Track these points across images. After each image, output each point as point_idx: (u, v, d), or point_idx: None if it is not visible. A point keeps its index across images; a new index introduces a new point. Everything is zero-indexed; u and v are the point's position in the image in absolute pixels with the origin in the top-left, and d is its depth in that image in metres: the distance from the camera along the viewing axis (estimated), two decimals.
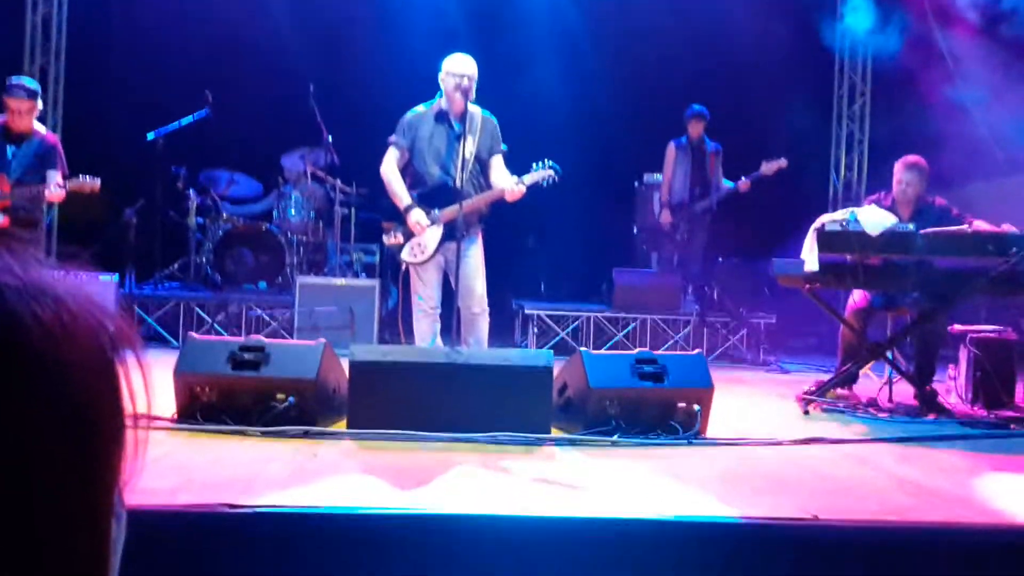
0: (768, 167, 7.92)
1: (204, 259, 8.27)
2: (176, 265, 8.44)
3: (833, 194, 10.20)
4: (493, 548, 2.84)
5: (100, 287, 7.21)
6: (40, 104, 5.96)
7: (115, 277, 7.35)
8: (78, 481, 0.57)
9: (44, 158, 5.86)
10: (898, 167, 5.76)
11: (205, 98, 8.04)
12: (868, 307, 5.80)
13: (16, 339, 0.55)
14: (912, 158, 5.75)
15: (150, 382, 0.63)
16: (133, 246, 7.77)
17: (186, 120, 7.93)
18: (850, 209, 5.55)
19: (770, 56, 9.06)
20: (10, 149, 5.80)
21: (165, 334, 7.67)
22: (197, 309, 7.83)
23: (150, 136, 7.83)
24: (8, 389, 0.54)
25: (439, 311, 5.43)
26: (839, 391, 5.69)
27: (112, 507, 0.60)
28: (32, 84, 5.98)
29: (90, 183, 5.78)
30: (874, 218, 5.24)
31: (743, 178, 8.08)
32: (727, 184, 8.26)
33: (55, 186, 5.67)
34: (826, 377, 5.94)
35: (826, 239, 5.24)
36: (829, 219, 5.40)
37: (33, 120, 5.90)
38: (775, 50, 9.05)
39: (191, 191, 8.35)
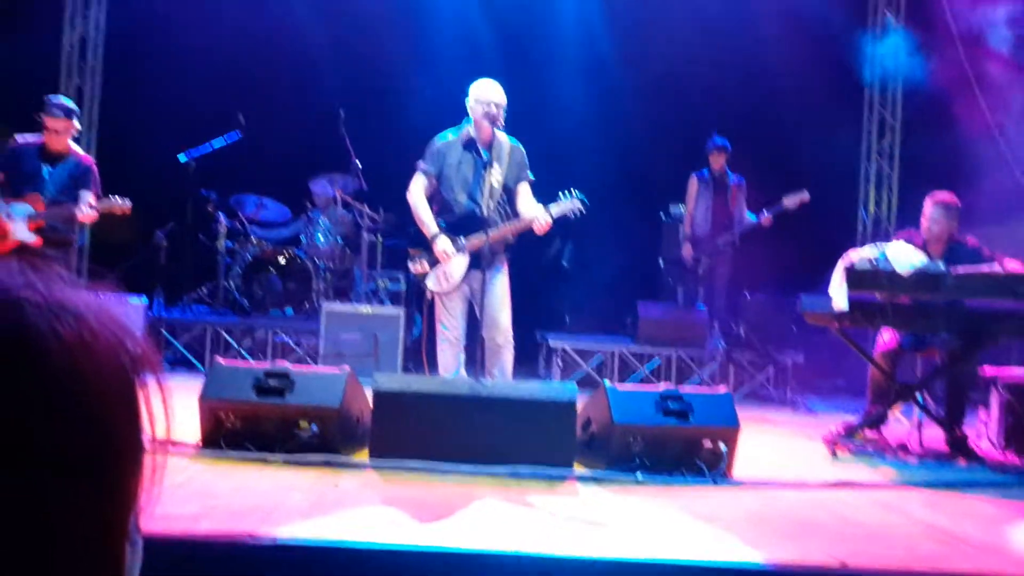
0: (790, 201, 7.83)
1: (232, 283, 8.31)
2: (204, 289, 8.49)
3: (862, 230, 10.11)
4: None
5: (129, 309, 7.28)
6: (77, 124, 6.02)
7: (144, 299, 7.41)
8: (92, 502, 0.56)
9: (79, 179, 5.91)
10: (928, 204, 5.68)
11: (238, 121, 8.13)
12: (898, 348, 5.72)
13: (35, 354, 0.55)
14: (942, 195, 5.68)
15: (170, 405, 0.62)
16: (163, 268, 7.83)
17: (218, 142, 8.01)
18: (880, 246, 5.49)
19: (800, 90, 9.04)
20: (46, 169, 5.86)
21: (192, 358, 7.70)
22: (224, 334, 7.86)
23: (182, 158, 7.91)
24: (25, 404, 0.54)
25: (463, 341, 5.41)
26: (867, 433, 5.60)
27: (127, 531, 0.59)
28: (69, 104, 6.05)
29: (120, 205, 5.82)
30: (904, 256, 5.19)
31: (765, 212, 8.01)
32: (750, 217, 8.21)
33: (87, 207, 5.72)
34: (854, 419, 5.86)
35: (855, 277, 5.19)
36: (858, 256, 5.34)
37: (70, 140, 5.97)
38: (805, 84, 9.03)
39: (221, 214, 8.42)
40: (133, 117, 9.30)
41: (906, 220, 8.17)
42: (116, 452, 0.58)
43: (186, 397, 4.47)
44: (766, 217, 7.98)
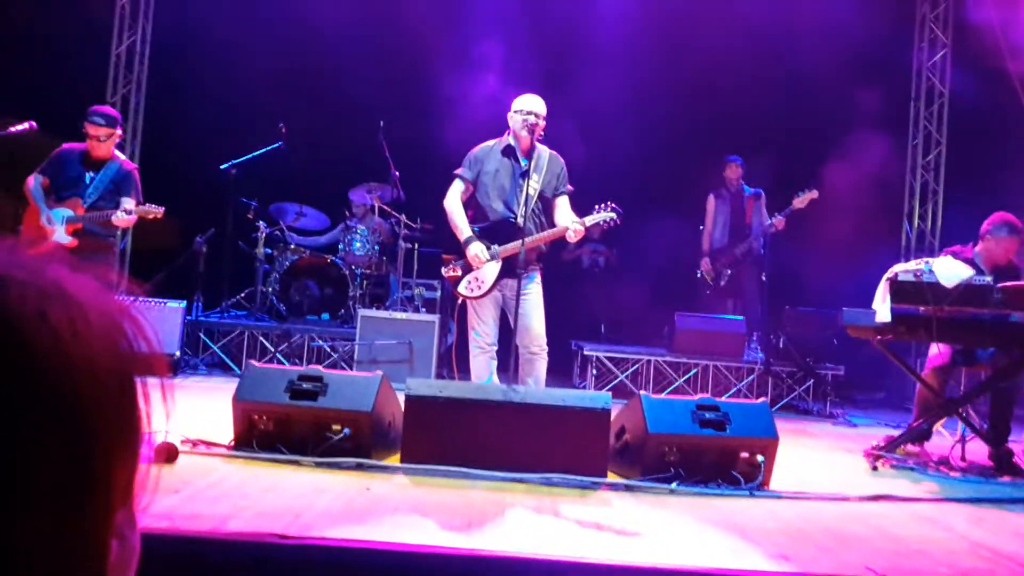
0: (800, 201, 7.97)
1: (270, 289, 8.38)
2: (243, 294, 8.57)
3: (906, 244, 9.95)
4: None
5: (167, 313, 7.36)
6: (120, 132, 6.12)
7: (183, 303, 7.49)
8: (75, 496, 0.53)
9: (120, 184, 6.00)
10: (998, 225, 5.52)
11: (279, 130, 8.22)
12: (950, 363, 5.59)
13: (15, 336, 0.52)
14: (1011, 218, 5.52)
15: (171, 402, 0.60)
16: (202, 274, 7.91)
17: (260, 152, 8.10)
18: (925, 259, 5.38)
19: (845, 103, 8.94)
20: (88, 175, 5.96)
21: (229, 361, 7.78)
22: (261, 338, 7.93)
23: (224, 166, 8.01)
24: (1, 389, 0.51)
25: (495, 347, 5.39)
26: (909, 447, 5.49)
27: (111, 527, 0.56)
28: (111, 113, 6.15)
29: (154, 210, 5.89)
30: (950, 269, 5.07)
31: (777, 215, 8.15)
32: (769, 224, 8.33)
33: (122, 211, 5.80)
34: (895, 433, 5.73)
35: (899, 289, 5.09)
36: (902, 269, 5.23)
37: (113, 147, 6.07)
38: (850, 97, 8.93)
39: (261, 222, 8.50)
40: (177, 126, 9.43)
41: (951, 234, 8.03)
42: (103, 444, 0.55)
43: (221, 399, 4.50)
44: (779, 219, 8.11)
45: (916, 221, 9.96)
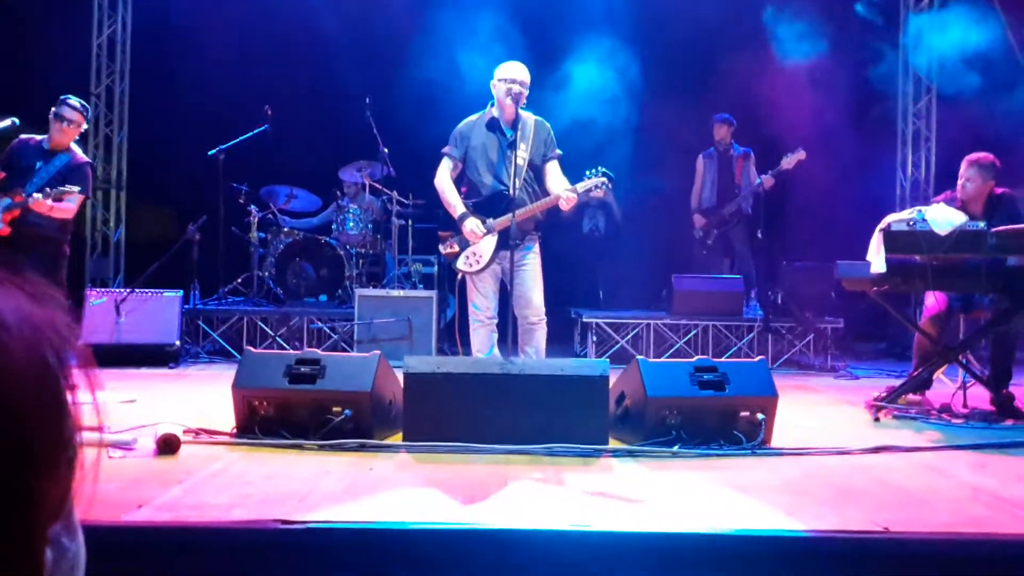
0: (788, 161, 8.02)
1: (266, 273, 8.37)
2: (239, 280, 8.56)
3: (900, 193, 9.92)
4: (551, 564, 2.77)
5: (165, 303, 7.36)
6: (85, 125, 6.00)
7: (179, 293, 7.49)
8: (0, 511, 0.52)
9: (68, 176, 5.78)
10: (963, 165, 5.56)
11: (265, 113, 8.17)
12: (946, 311, 5.59)
13: None
14: (975, 155, 5.53)
15: (102, 408, 0.58)
16: (197, 262, 7.90)
17: (247, 135, 8.05)
18: (917, 208, 5.36)
19: (832, 53, 8.86)
20: (39, 163, 5.81)
21: (230, 348, 7.78)
22: (260, 323, 7.93)
23: (211, 152, 7.96)
24: None
25: (495, 320, 5.39)
26: (911, 397, 5.50)
27: (45, 535, 0.55)
28: (77, 102, 5.98)
29: (72, 190, 5.66)
30: (943, 216, 5.05)
31: (767, 174, 8.20)
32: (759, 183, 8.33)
33: (36, 193, 5.56)
34: (897, 383, 5.74)
35: (893, 239, 5.07)
36: (896, 219, 5.21)
37: (73, 139, 5.93)
38: (837, 46, 8.85)
39: (252, 206, 8.48)
40: (162, 114, 9.38)
41: (945, 182, 8.00)
42: (31, 458, 0.53)
43: (223, 387, 4.50)
44: (767, 178, 8.17)
45: (910, 169, 9.93)
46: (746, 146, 8.70)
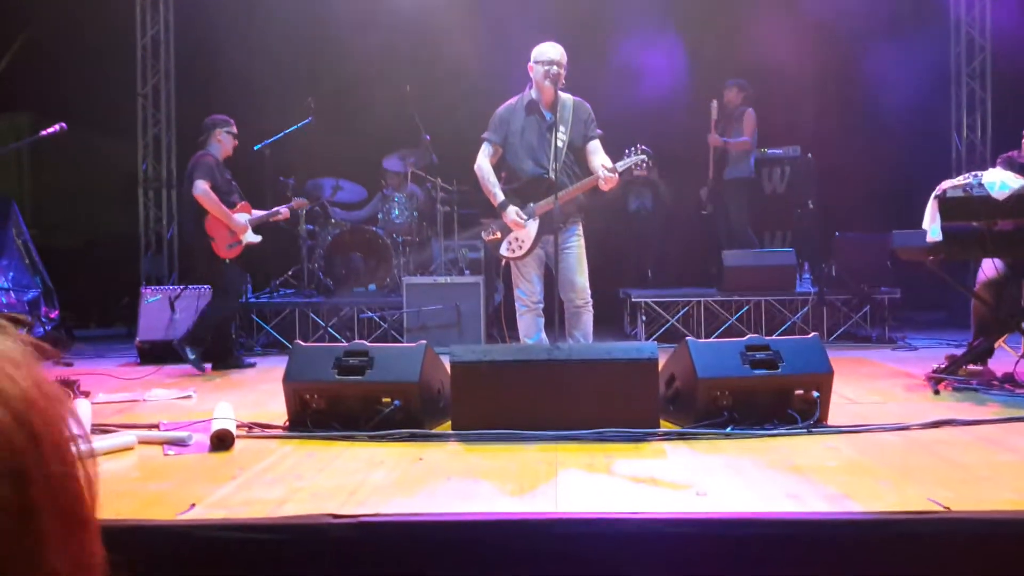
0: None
1: (316, 265, 8.44)
2: (290, 272, 8.65)
3: (956, 157, 9.63)
4: (606, 551, 2.74)
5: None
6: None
7: None
8: None
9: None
10: None
11: (308, 105, 8.20)
12: (1003, 277, 5.41)
13: None
14: None
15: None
16: (247, 257, 7.97)
17: (291, 129, 8.10)
18: (974, 173, 5.18)
19: (880, 15, 8.63)
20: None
21: (283, 340, 7.87)
22: (311, 315, 8.01)
23: (256, 147, 8.02)
24: None
25: (541, 304, 5.36)
26: (972, 367, 5.35)
27: None
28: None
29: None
30: (1000, 180, 4.88)
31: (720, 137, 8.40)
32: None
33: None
34: (958, 353, 5.59)
35: (948, 206, 4.92)
36: (951, 185, 5.05)
37: None
38: (885, 8, 8.62)
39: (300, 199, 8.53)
40: (207, 111, 9.46)
41: (1002, 144, 7.75)
42: (47, 535, 0.53)
43: (279, 380, 4.54)
44: (713, 138, 8.36)
45: (965, 132, 9.62)
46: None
